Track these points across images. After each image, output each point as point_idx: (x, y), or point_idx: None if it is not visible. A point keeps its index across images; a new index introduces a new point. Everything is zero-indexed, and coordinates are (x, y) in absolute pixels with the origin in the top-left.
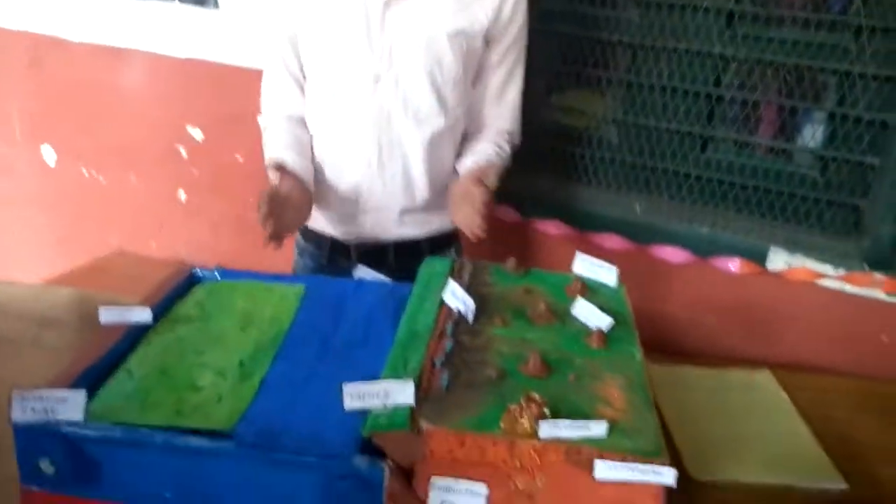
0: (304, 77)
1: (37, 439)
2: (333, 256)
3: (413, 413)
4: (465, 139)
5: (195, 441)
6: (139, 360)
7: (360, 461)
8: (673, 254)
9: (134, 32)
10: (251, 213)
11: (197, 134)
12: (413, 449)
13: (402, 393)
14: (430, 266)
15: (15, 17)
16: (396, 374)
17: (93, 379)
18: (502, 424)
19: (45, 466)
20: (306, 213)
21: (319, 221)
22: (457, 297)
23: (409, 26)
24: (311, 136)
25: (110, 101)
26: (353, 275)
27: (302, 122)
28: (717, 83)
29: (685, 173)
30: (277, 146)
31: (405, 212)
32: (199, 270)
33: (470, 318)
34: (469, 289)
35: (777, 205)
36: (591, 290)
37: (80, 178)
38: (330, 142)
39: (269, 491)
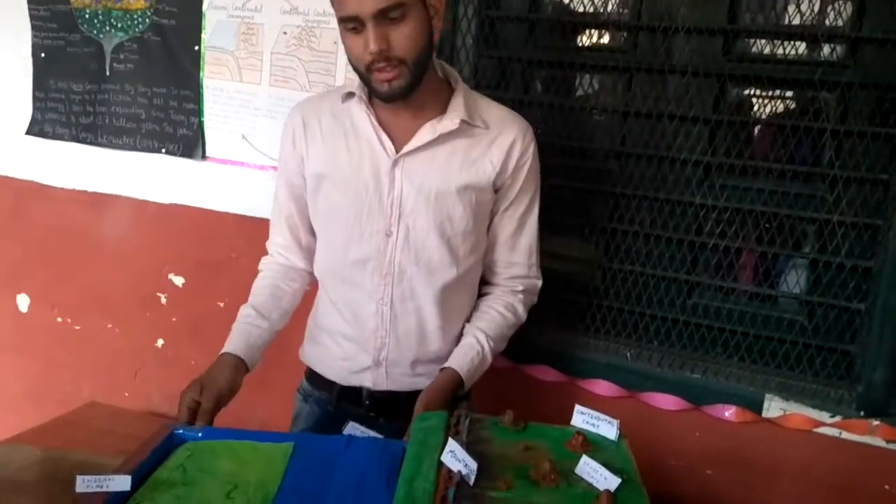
0: (310, 232)
1: None
2: (342, 404)
3: None
4: (481, 286)
5: None
6: None
7: None
8: (665, 401)
9: (117, 179)
10: None
11: (178, 280)
12: None
13: None
14: (425, 421)
15: None
16: None
17: None
18: None
19: None
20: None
21: (330, 370)
22: (457, 459)
23: (418, 183)
24: (293, 292)
25: (91, 248)
26: (342, 431)
27: (290, 276)
28: (699, 231)
29: (673, 318)
30: (235, 330)
31: (419, 363)
32: (180, 429)
33: (472, 480)
34: (468, 446)
35: (767, 350)
36: (592, 444)
37: (53, 325)
38: (342, 296)
39: None
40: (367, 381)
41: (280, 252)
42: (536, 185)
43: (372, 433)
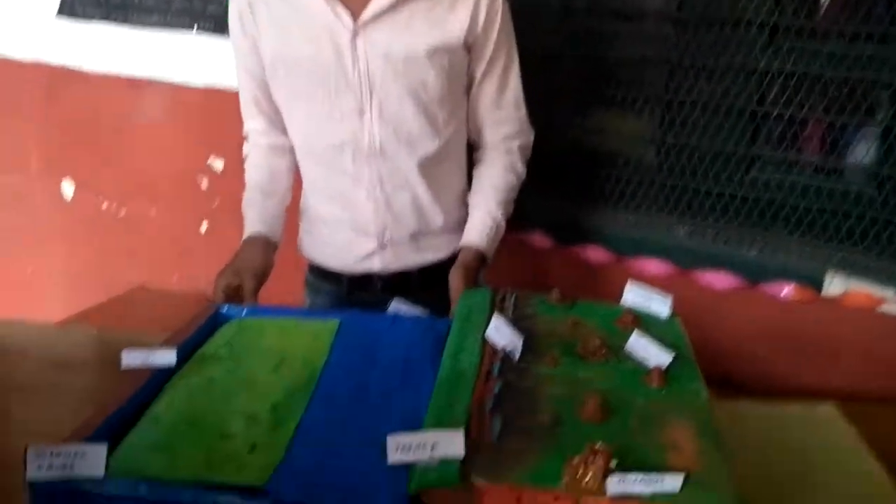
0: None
1: (54, 498)
2: (354, 291)
3: (464, 466)
4: (473, 152)
5: (227, 499)
6: (165, 407)
7: None
8: (719, 279)
9: (152, 62)
10: None
11: (218, 164)
12: None
13: (451, 444)
14: (470, 298)
15: (30, 48)
16: (441, 421)
17: (115, 429)
18: (564, 479)
19: None
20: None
21: (335, 260)
22: (502, 334)
23: (384, 51)
24: (287, 167)
25: (129, 133)
26: (387, 309)
27: (278, 153)
28: (761, 100)
29: (731, 194)
30: (247, 214)
31: (422, 237)
32: (225, 307)
33: (517, 356)
34: (513, 323)
35: (832, 225)
36: (643, 322)
37: (98, 212)
38: (329, 184)
39: None
40: (376, 265)
41: (258, 135)
42: (511, 38)
43: (417, 311)
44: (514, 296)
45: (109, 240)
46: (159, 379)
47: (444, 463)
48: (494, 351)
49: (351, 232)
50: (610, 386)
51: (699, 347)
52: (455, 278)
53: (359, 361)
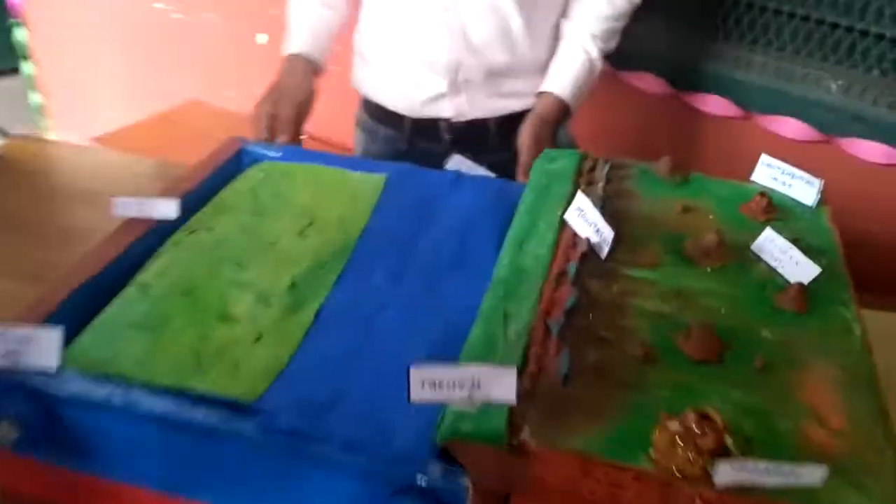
0: None
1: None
2: (416, 141)
3: (514, 418)
4: None
5: (205, 417)
6: (159, 271)
7: (434, 472)
8: (874, 151)
9: None
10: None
11: None
12: (510, 472)
13: (498, 384)
14: (549, 162)
15: None
16: (488, 343)
17: (92, 299)
18: (653, 449)
19: (5, 429)
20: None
21: (396, 100)
22: (586, 220)
23: None
24: None
25: None
26: (444, 165)
27: None
28: None
29: None
30: (294, 23)
31: (506, 79)
32: (254, 145)
33: (604, 251)
34: (604, 202)
35: None
36: (780, 211)
37: (152, 12)
38: (393, 6)
39: (296, 493)
40: (446, 110)
41: None
42: None
43: (482, 170)
44: (608, 165)
45: (164, 45)
46: (162, 234)
47: (487, 411)
48: (574, 242)
49: (417, 65)
50: (727, 304)
51: (845, 239)
52: (527, 132)
53: (405, 230)
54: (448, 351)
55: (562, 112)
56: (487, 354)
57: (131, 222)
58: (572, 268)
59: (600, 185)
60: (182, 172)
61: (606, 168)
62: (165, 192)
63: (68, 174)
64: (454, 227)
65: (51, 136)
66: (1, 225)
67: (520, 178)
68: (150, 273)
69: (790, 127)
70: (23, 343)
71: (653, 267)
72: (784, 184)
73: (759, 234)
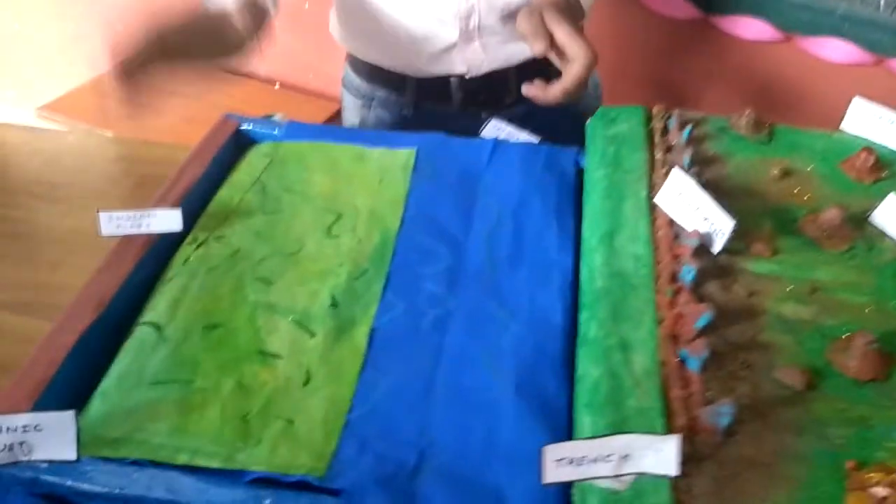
0: None
1: (1, 497)
2: (422, 103)
3: (678, 494)
4: None
5: None
6: (172, 302)
7: None
8: None
9: None
10: None
11: None
12: None
13: (654, 454)
14: (608, 123)
15: None
16: (613, 382)
17: (96, 344)
18: None
19: None
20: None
21: (395, 58)
22: (689, 204)
23: None
24: None
25: None
26: (480, 133)
27: None
28: None
29: None
30: None
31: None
32: (248, 123)
33: (718, 244)
34: (698, 175)
35: None
36: (888, 168)
37: None
38: None
39: None
40: (458, 64)
41: None
42: None
43: (524, 135)
44: (682, 120)
45: None
46: (160, 249)
47: (642, 489)
48: (674, 233)
49: (420, 17)
50: (870, 301)
51: None
52: (526, 19)
53: (448, 220)
54: (538, 379)
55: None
56: (615, 401)
57: (125, 242)
58: (688, 272)
59: (681, 148)
60: (158, 153)
61: (687, 129)
62: (160, 199)
63: (22, 164)
64: (504, 209)
65: None
66: None
67: (559, 93)
68: (161, 306)
69: (835, 49)
70: (29, 432)
71: (772, 256)
72: (875, 129)
73: (871, 199)
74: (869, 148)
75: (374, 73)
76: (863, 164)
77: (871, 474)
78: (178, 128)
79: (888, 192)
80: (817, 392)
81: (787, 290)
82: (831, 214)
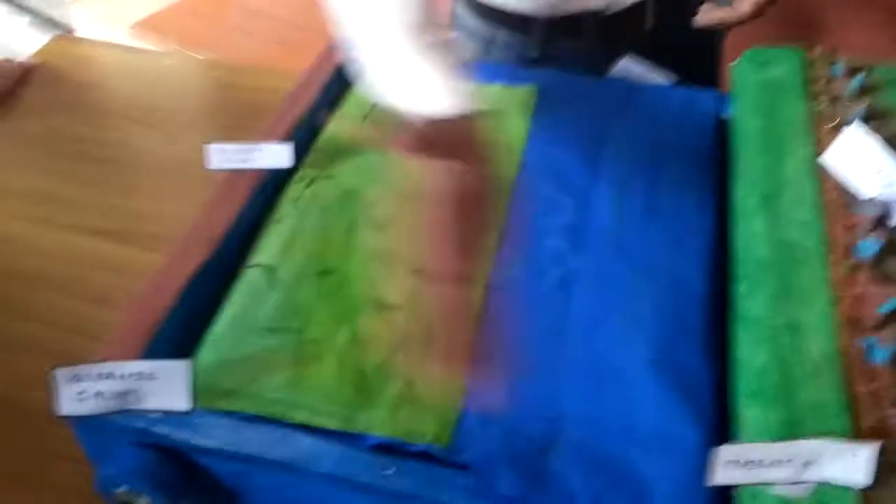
0: None
1: (109, 447)
2: (549, 47)
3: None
4: None
5: (397, 481)
6: (284, 244)
7: None
8: None
9: None
10: None
11: None
12: None
13: (842, 462)
14: (759, 67)
15: None
16: (782, 370)
17: (206, 287)
18: None
19: (126, 498)
20: None
21: None
22: (866, 166)
23: None
24: None
25: None
26: (610, 72)
27: None
28: None
29: None
30: None
31: None
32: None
33: None
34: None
35: None
36: None
37: None
38: None
39: None
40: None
41: None
42: None
43: (659, 75)
44: (850, 67)
45: None
46: (268, 187)
47: (825, 498)
48: (847, 200)
49: None
50: None
51: None
52: None
53: (573, 168)
54: (677, 354)
55: None
56: (786, 393)
57: (233, 178)
58: (869, 245)
59: (855, 104)
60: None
61: (858, 78)
62: (268, 132)
63: (117, 86)
64: (636, 159)
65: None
66: (53, 157)
67: (749, 8)
68: (272, 248)
69: None
70: (141, 380)
71: None
72: None
73: None
74: None
75: (492, 15)
76: None
77: None
78: (269, 51)
79: None
80: None
81: None
82: None
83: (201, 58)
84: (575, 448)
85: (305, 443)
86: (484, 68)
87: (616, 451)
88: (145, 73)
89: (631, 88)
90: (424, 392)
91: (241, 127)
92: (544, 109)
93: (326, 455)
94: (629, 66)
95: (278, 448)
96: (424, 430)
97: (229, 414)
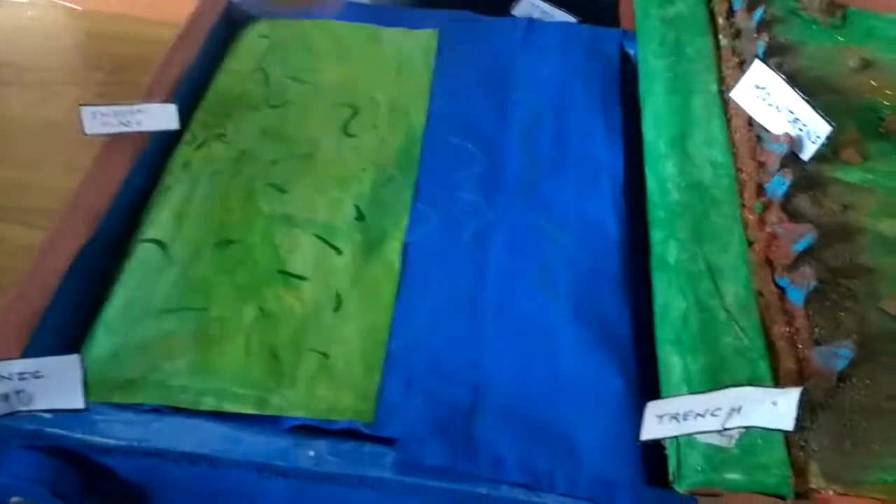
0: None
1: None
2: None
3: (794, 452)
4: None
5: (318, 462)
6: (175, 214)
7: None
8: None
9: None
10: None
11: None
12: None
13: (769, 408)
14: (660, 3)
15: None
16: (704, 316)
17: (93, 264)
18: None
19: None
20: None
21: None
22: (773, 104)
23: None
24: None
25: None
26: (511, 10)
27: None
28: None
29: None
30: None
31: None
32: None
33: (810, 150)
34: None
35: None
36: None
37: None
38: None
39: None
40: None
41: None
42: None
43: (562, 13)
44: (753, 4)
45: None
46: (152, 153)
47: (753, 448)
48: (755, 136)
49: None
50: None
51: None
52: None
53: (480, 113)
54: (597, 302)
55: None
56: (708, 338)
57: (114, 143)
58: (779, 184)
59: (757, 38)
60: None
61: (759, 12)
62: (150, 90)
63: None
64: (543, 102)
65: None
66: None
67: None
68: (163, 219)
69: None
70: (27, 380)
71: (860, 162)
72: None
73: None
74: None
75: None
76: None
77: None
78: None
79: None
80: None
81: (881, 202)
82: None
83: (71, 6)
84: (500, 410)
85: (217, 431)
86: (381, 11)
87: (542, 409)
88: (7, 26)
89: (533, 28)
90: (341, 366)
91: (126, 83)
92: (447, 54)
93: (241, 442)
94: (533, 3)
95: (187, 439)
96: (345, 404)
97: (130, 407)
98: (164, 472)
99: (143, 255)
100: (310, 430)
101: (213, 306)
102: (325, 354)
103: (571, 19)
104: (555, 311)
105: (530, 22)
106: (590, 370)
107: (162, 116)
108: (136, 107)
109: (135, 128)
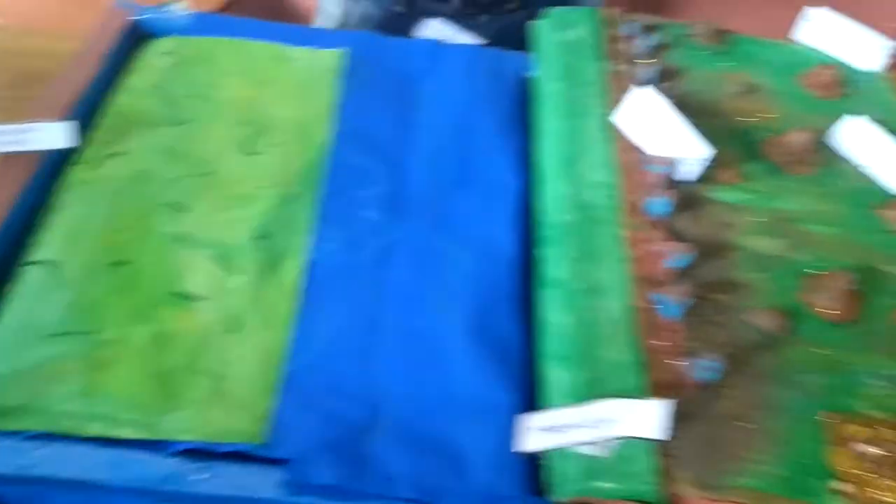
0: None
1: None
2: (419, 1)
3: (664, 459)
4: None
5: (209, 484)
6: (67, 234)
7: None
8: None
9: None
10: None
11: None
12: None
13: (640, 418)
14: (560, 28)
15: None
16: (583, 332)
17: None
18: (839, 480)
19: None
20: None
21: None
22: (656, 127)
23: None
24: None
25: None
26: (417, 32)
27: None
28: None
29: None
30: None
31: None
32: (144, 12)
33: (693, 173)
34: (667, 92)
35: None
36: (847, 85)
37: None
38: None
39: None
40: None
41: None
42: None
43: (469, 37)
44: (643, 26)
45: None
46: (49, 171)
47: (625, 456)
48: (639, 158)
49: None
50: (836, 232)
51: None
52: None
53: (385, 134)
54: (493, 321)
55: None
56: (588, 353)
57: (6, 162)
58: (661, 204)
59: (649, 64)
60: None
61: (649, 39)
62: (43, 107)
63: None
64: (448, 123)
65: None
66: None
67: None
68: (54, 240)
69: None
70: None
71: (739, 183)
72: (833, 41)
73: (831, 118)
74: (827, 63)
75: None
76: (817, 79)
77: (855, 428)
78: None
79: (847, 110)
80: (793, 336)
81: (756, 221)
82: (794, 137)
83: None
84: (394, 428)
85: (104, 456)
86: (289, 30)
87: (435, 426)
88: None
89: (440, 49)
90: (236, 388)
91: (21, 100)
92: (354, 74)
93: (127, 467)
94: (438, 28)
95: (73, 465)
96: (236, 427)
97: (14, 434)
98: (48, 499)
99: (32, 277)
100: (200, 453)
101: (106, 329)
102: (219, 377)
103: (477, 42)
104: (452, 329)
105: (437, 43)
106: (482, 386)
107: (56, 134)
108: (27, 124)
109: (27, 146)
